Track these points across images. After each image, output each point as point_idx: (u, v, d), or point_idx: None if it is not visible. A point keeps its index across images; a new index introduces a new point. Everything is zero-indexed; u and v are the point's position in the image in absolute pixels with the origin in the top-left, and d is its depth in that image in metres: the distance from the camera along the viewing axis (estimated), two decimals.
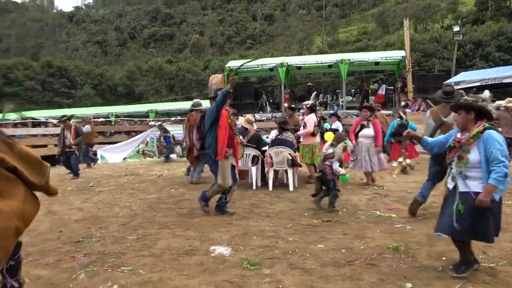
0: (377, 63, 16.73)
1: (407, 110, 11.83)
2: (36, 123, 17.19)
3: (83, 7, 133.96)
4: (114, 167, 11.18)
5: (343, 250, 3.57)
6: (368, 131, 6.76)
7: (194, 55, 76.39)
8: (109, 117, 22.57)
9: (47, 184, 2.47)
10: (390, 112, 15.12)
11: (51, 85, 55.13)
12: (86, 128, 10.70)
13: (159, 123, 14.02)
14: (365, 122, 6.86)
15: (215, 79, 15.55)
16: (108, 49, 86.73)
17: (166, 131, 12.58)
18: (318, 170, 5.49)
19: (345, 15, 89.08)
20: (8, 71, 55.26)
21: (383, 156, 7.02)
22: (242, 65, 7.20)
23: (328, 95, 18.52)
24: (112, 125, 19.17)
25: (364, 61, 16.95)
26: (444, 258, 3.31)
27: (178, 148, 13.46)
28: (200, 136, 5.34)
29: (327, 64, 17.09)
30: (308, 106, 7.68)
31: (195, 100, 8.56)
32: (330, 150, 5.29)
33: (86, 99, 53.02)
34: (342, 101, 16.35)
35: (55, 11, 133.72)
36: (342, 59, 16.19)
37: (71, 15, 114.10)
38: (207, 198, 5.11)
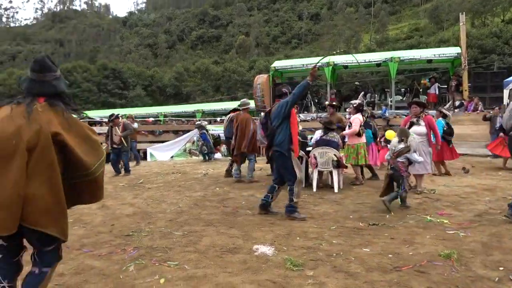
0: (429, 61, 15.93)
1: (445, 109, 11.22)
2: (91, 122, 18.28)
3: (136, 12, 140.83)
4: (163, 165, 11.61)
5: (390, 255, 3.44)
6: (419, 129, 6.18)
7: (240, 55, 77.37)
8: (158, 117, 23.48)
9: (96, 172, 2.23)
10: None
11: (105, 86, 58.50)
12: (135, 125, 11.29)
13: (198, 122, 14.24)
14: (415, 119, 6.38)
15: (260, 79, 15.71)
16: (158, 51, 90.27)
17: (202, 128, 12.74)
18: (389, 168, 5.29)
19: (395, 11, 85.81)
20: (68, 74, 59.29)
21: (429, 158, 6.39)
22: (319, 61, 6.83)
23: (376, 95, 17.92)
24: (161, 124, 19.90)
25: (415, 59, 16.20)
26: (501, 268, 3.08)
27: (223, 148, 13.70)
28: (267, 133, 5.02)
29: (375, 62, 16.54)
30: (355, 105, 7.47)
31: (243, 100, 8.64)
32: (401, 145, 5.14)
33: (137, 100, 55.57)
34: (391, 101, 15.75)
35: (110, 16, 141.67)
36: (391, 57, 15.60)
37: (125, 20, 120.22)
38: (295, 205, 4.82)
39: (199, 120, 18.13)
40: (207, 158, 12.35)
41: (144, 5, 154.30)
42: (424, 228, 4.26)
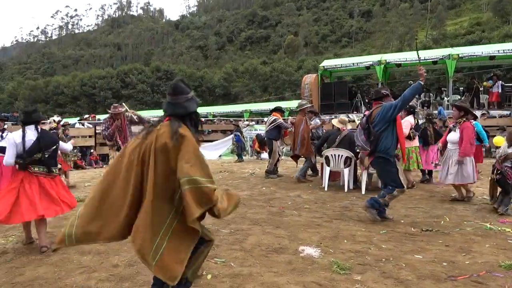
0: (492, 58, 14.84)
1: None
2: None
3: (188, 15, 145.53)
4: (211, 164, 11.89)
5: (444, 264, 3.25)
6: (454, 136, 5.66)
7: (288, 55, 77.16)
8: (207, 117, 24.08)
9: (198, 184, 2.12)
10: (508, 112, 13.29)
11: (158, 87, 61.07)
12: None
13: (246, 122, 14.52)
14: (451, 125, 5.83)
15: (308, 79, 15.54)
16: (208, 53, 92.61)
17: (237, 130, 13.03)
18: (496, 173, 5.03)
19: (454, 5, 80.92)
20: (125, 76, 62.68)
21: (470, 167, 5.50)
22: (419, 60, 6.26)
23: (431, 94, 17.03)
24: (211, 124, 20.38)
25: (476, 55, 15.17)
26: None
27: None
28: (370, 139, 4.63)
29: (432, 60, 15.72)
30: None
31: (300, 101, 8.56)
32: (510, 150, 4.93)
33: None
34: (448, 100, 14.87)
35: (164, 20, 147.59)
36: (449, 54, 14.74)
37: (177, 23, 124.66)
38: (380, 205, 4.60)
39: (246, 120, 18.34)
40: (240, 158, 12.73)
41: (195, 8, 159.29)
42: (483, 236, 3.97)
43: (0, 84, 78.10)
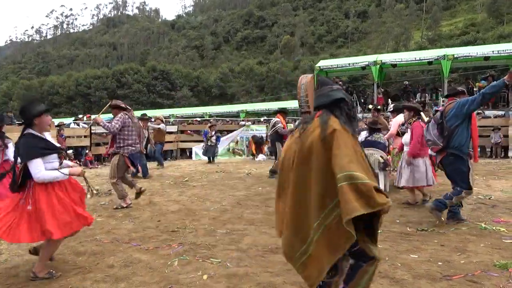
0: (486, 58, 14.94)
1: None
2: None
3: (184, 15, 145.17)
4: (207, 164, 11.86)
5: (440, 263, 3.26)
6: (406, 137, 5.60)
7: (284, 56, 77.23)
8: (204, 117, 24.05)
9: (353, 179, 1.97)
10: (502, 112, 13.39)
11: (154, 87, 60.90)
12: (162, 126, 10.96)
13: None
14: (404, 126, 5.81)
15: (304, 80, 15.63)
16: (205, 53, 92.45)
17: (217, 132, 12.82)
18: None
19: (449, 6, 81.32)
20: (121, 76, 62.45)
21: (423, 168, 5.34)
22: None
23: (427, 94, 17.13)
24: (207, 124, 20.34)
25: (471, 56, 15.27)
26: None
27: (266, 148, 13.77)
28: (443, 134, 4.45)
29: (427, 60, 15.81)
30: (392, 110, 7.13)
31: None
32: None
33: (184, 100, 57.32)
34: (443, 101, 14.96)
35: (160, 20, 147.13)
36: (444, 55, 14.82)
37: (173, 23, 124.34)
38: (447, 206, 4.40)
39: (243, 120, 18.28)
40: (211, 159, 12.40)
41: (191, 8, 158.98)
42: (478, 236, 4.00)
43: None
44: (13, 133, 9.59)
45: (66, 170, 2.92)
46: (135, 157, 5.86)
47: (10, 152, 4.59)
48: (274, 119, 8.67)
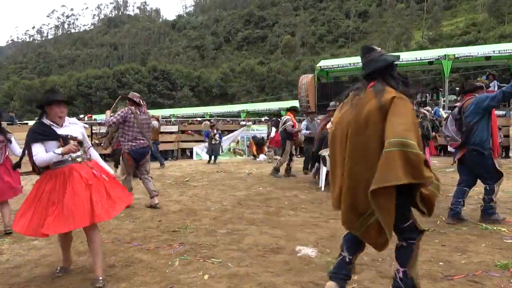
0: (487, 58, 14.91)
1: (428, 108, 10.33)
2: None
3: (185, 15, 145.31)
4: (208, 164, 11.87)
5: (441, 263, 3.26)
6: None
7: (285, 55, 77.25)
8: (204, 117, 24.06)
9: (407, 147, 1.92)
10: (503, 112, 13.36)
11: (155, 87, 60.95)
12: (154, 123, 10.56)
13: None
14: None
15: (305, 80, 15.61)
16: (205, 53, 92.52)
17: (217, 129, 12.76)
18: None
19: (450, 6, 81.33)
20: (122, 76, 62.51)
21: None
22: None
23: (428, 94, 17.11)
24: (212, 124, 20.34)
25: (472, 55, 15.24)
26: None
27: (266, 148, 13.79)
28: (462, 130, 4.45)
29: (428, 60, 15.78)
30: None
31: (332, 103, 8.46)
32: None
33: (185, 100, 57.33)
34: (444, 100, 14.95)
35: (161, 20, 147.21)
36: (445, 55, 14.80)
37: (174, 23, 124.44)
38: (494, 205, 4.45)
39: (243, 119, 18.27)
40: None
41: (192, 8, 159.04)
42: (479, 236, 3.99)
43: None
44: (14, 133, 9.62)
45: (58, 150, 2.90)
46: (137, 153, 5.68)
47: (15, 147, 4.62)
48: (285, 117, 8.70)
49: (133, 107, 5.68)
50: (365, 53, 2.33)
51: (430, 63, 15.97)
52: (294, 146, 8.99)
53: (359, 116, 2.13)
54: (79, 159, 3.01)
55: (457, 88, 17.37)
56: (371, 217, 2.13)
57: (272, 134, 12.22)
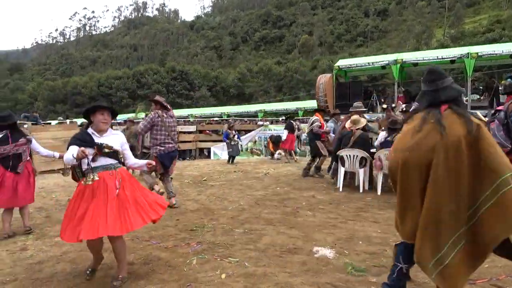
0: None
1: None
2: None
3: (203, 15, 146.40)
4: (225, 164, 11.92)
5: None
6: None
7: (303, 55, 76.87)
8: (222, 117, 24.18)
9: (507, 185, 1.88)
10: None
11: (173, 87, 61.62)
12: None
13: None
14: None
15: (323, 79, 15.45)
16: (223, 53, 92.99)
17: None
18: None
19: (472, 3, 79.21)
20: (141, 76, 63.49)
21: None
22: None
23: None
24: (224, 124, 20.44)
25: (496, 54, 14.78)
26: None
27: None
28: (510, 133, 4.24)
29: (450, 59, 15.40)
30: (404, 110, 6.91)
31: (356, 103, 8.39)
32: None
33: (202, 100, 57.73)
34: (466, 100, 14.56)
35: (179, 21, 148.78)
36: (468, 53, 14.41)
37: (192, 23, 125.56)
38: None
39: (260, 119, 18.29)
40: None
41: (210, 8, 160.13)
42: None
43: (21, 84, 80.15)
44: (38, 132, 9.90)
45: (75, 153, 2.94)
46: (166, 157, 5.64)
47: (36, 146, 4.75)
48: (313, 118, 8.65)
49: (159, 111, 5.63)
50: (438, 78, 2.23)
51: (452, 61, 15.59)
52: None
53: (447, 142, 2.00)
54: (110, 168, 3.04)
55: (481, 87, 16.92)
56: (451, 251, 2.03)
57: (284, 136, 12.19)
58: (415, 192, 2.12)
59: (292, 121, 12.62)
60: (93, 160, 2.98)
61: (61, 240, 3.04)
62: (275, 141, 13.92)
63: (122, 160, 3.20)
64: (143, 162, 3.42)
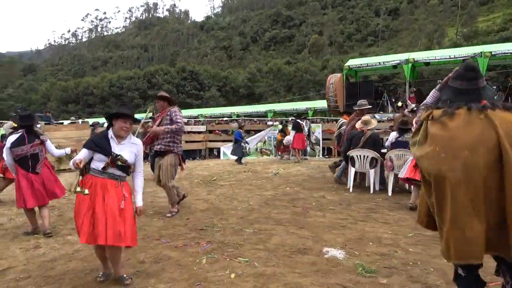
0: None
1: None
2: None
3: (212, 16, 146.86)
4: (235, 164, 11.94)
5: None
6: None
7: (313, 55, 76.58)
8: (231, 117, 24.22)
9: None
10: None
11: (184, 87, 61.98)
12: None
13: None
14: None
15: (333, 79, 15.39)
16: (233, 53, 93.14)
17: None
18: None
19: (486, 1, 77.88)
20: (151, 77, 64.01)
21: None
22: None
23: None
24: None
25: (510, 53, 14.55)
26: None
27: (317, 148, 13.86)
28: None
29: (462, 58, 15.16)
30: (410, 110, 6.81)
31: (360, 101, 8.35)
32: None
33: (212, 100, 57.89)
34: None
35: (189, 21, 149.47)
36: (481, 52, 14.19)
37: (202, 24, 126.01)
38: None
39: (270, 120, 18.25)
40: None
41: (220, 9, 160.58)
42: None
43: (34, 85, 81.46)
44: (51, 132, 10.05)
45: (74, 159, 2.93)
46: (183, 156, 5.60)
47: (51, 147, 4.81)
48: (341, 120, 8.60)
49: (178, 107, 5.50)
50: (479, 76, 2.07)
51: (465, 61, 15.38)
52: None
53: (488, 144, 1.84)
54: (116, 178, 3.02)
55: (494, 87, 16.63)
56: None
57: (290, 136, 12.13)
58: (480, 195, 1.87)
59: (298, 120, 12.61)
60: (104, 168, 2.98)
61: (73, 238, 3.08)
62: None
63: (131, 171, 3.16)
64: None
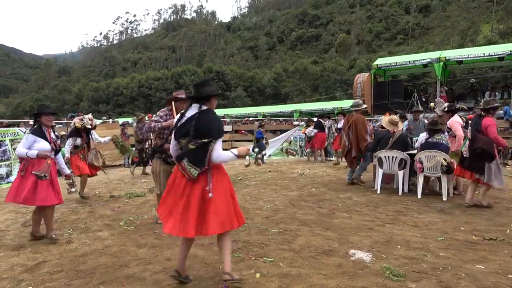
0: None
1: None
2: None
3: (239, 16, 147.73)
4: (260, 164, 11.94)
5: (510, 276, 2.99)
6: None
7: (340, 54, 75.53)
8: (257, 117, 24.27)
9: None
10: None
11: None
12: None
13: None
14: None
15: (361, 78, 15.10)
16: (259, 53, 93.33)
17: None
18: None
19: None
20: (179, 77, 65.14)
21: None
22: None
23: (497, 93, 15.80)
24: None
25: None
26: None
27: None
28: None
29: (498, 56, 14.59)
30: (445, 109, 6.51)
31: (355, 101, 8.26)
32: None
33: (238, 100, 58.22)
34: None
35: (216, 22, 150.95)
36: None
37: (229, 24, 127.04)
38: None
39: (296, 119, 18.16)
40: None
41: (246, 9, 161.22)
42: None
43: (68, 86, 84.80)
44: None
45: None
46: None
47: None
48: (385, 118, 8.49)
49: None
50: None
51: (501, 59, 14.76)
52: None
53: None
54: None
55: None
56: None
57: (311, 134, 12.02)
58: None
59: (320, 119, 12.49)
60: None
61: (103, 234, 3.16)
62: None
63: None
64: None
